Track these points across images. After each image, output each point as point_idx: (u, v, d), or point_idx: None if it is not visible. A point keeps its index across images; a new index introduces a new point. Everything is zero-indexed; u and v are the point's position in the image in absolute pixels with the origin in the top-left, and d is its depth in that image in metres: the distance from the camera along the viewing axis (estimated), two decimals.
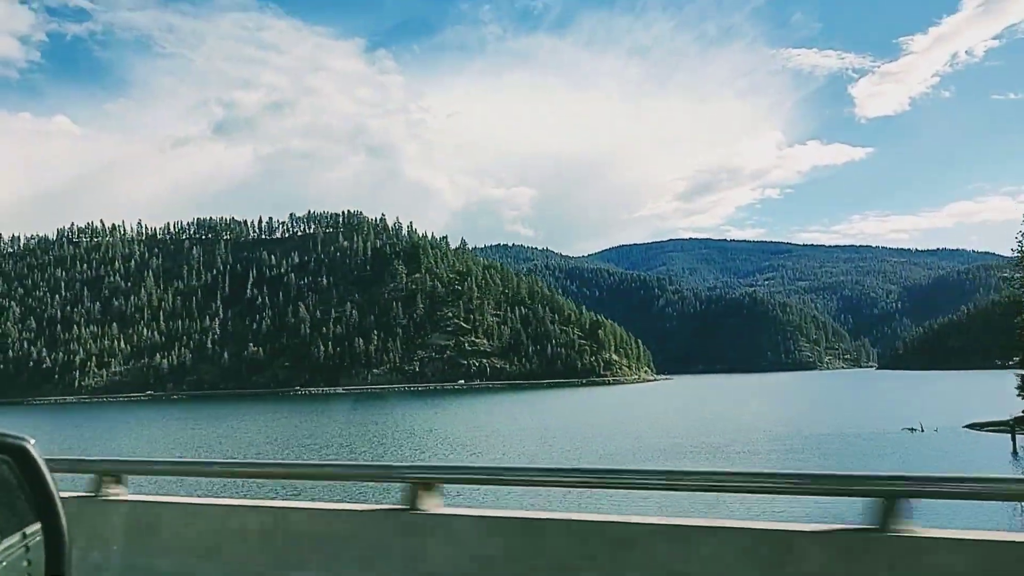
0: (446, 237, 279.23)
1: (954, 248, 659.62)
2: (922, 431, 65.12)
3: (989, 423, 64.30)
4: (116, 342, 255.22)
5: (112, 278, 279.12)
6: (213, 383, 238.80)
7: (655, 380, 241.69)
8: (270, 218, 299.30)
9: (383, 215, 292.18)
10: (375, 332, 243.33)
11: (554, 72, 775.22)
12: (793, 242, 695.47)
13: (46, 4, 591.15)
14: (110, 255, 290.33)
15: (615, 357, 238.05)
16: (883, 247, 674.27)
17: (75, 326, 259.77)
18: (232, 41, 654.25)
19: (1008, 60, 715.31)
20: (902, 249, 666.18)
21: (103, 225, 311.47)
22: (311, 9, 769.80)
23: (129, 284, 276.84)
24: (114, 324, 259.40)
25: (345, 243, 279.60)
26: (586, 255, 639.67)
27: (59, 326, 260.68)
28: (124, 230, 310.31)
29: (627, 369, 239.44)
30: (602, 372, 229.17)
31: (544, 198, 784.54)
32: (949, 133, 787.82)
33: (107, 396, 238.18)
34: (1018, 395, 63.58)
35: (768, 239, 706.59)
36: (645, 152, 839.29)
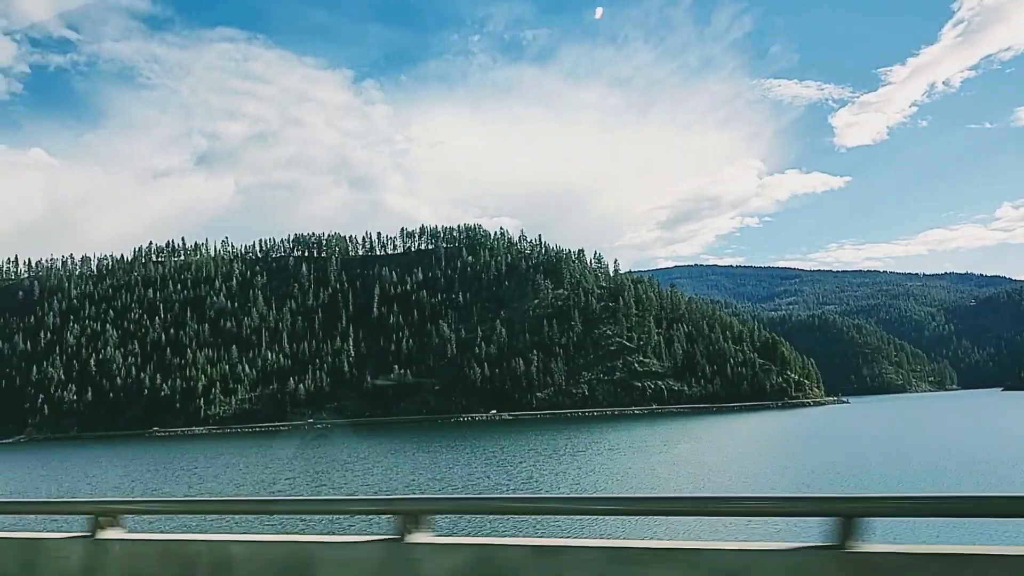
0: (582, 250, 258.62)
1: (962, 272, 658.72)
2: None
3: None
4: (237, 367, 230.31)
5: (215, 298, 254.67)
6: (356, 410, 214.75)
7: (843, 402, 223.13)
8: (379, 233, 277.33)
9: (502, 228, 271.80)
10: (534, 352, 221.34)
11: (536, 103, 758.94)
12: (783, 266, 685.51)
13: (29, 35, 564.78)
14: (204, 274, 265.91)
15: (804, 379, 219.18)
16: (890, 271, 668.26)
17: (187, 350, 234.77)
18: (219, 72, 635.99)
19: (983, 90, 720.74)
20: (910, 273, 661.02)
21: (183, 243, 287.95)
22: (299, 40, 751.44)
23: (235, 304, 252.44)
24: (233, 347, 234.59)
25: (470, 258, 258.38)
26: None
27: (168, 350, 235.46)
28: (209, 249, 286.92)
29: (816, 390, 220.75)
30: (794, 394, 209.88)
31: (527, 228, 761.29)
32: (925, 162, 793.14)
33: (238, 426, 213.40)
34: None
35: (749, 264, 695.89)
36: (626, 181, 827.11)
